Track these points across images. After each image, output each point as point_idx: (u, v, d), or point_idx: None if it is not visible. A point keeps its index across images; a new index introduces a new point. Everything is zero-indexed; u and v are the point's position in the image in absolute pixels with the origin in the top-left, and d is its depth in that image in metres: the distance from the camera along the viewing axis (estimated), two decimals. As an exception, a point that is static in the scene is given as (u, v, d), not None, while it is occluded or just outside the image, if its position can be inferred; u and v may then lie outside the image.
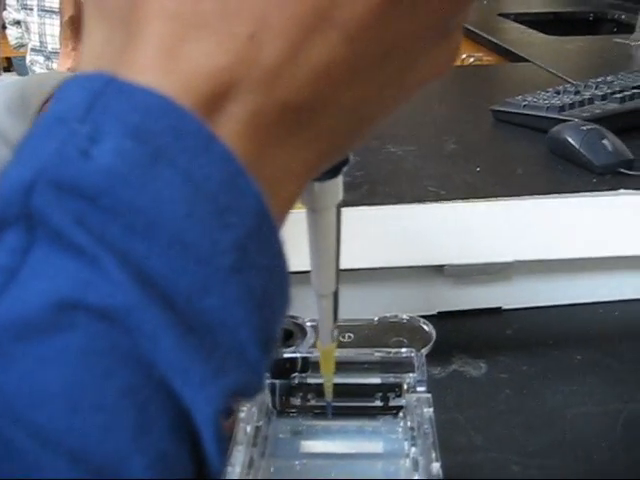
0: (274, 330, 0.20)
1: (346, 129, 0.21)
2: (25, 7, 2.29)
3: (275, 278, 0.19)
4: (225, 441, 0.18)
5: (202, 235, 0.17)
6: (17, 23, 2.37)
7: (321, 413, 0.40)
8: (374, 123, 0.23)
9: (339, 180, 0.26)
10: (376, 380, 0.41)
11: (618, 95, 1.01)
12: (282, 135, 0.19)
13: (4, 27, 2.37)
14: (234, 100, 0.18)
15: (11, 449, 0.15)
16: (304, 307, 0.48)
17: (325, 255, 0.29)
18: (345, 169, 0.26)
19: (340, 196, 0.27)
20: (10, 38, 2.44)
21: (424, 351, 0.42)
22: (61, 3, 2.01)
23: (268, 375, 0.41)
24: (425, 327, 0.47)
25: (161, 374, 0.16)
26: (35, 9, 2.25)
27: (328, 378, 0.38)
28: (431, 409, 0.38)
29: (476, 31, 1.91)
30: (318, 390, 0.41)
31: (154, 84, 0.18)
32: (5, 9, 2.28)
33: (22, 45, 2.44)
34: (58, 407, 0.15)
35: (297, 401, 0.41)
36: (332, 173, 0.25)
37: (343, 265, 0.53)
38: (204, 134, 0.17)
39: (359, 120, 0.22)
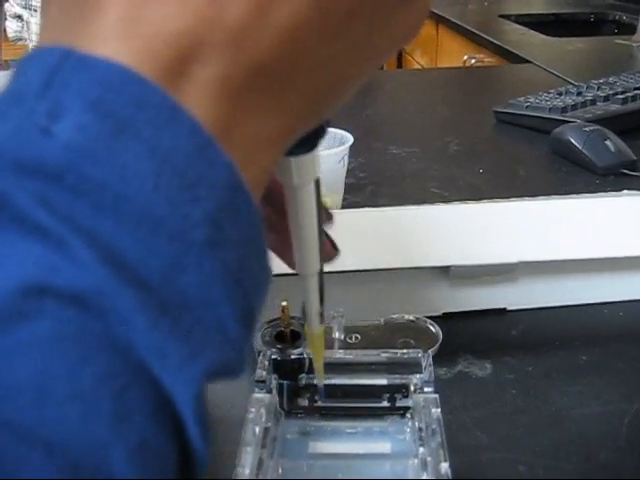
0: (255, 304, 0.19)
1: (319, 90, 0.21)
2: (29, 7, 2.29)
3: (253, 251, 0.19)
4: (207, 425, 0.17)
5: (171, 209, 0.16)
6: (18, 17, 2.37)
7: (329, 414, 0.41)
8: (348, 84, 0.22)
9: (316, 154, 0.25)
10: (383, 381, 0.41)
11: (620, 96, 1.01)
12: (253, 99, 0.19)
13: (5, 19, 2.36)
14: (199, 64, 0.17)
15: None
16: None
17: (306, 233, 0.28)
18: (321, 141, 0.25)
19: (318, 171, 0.26)
20: (9, 30, 2.42)
21: (431, 352, 0.42)
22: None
23: (275, 376, 0.41)
24: (432, 328, 0.47)
25: (139, 359, 0.16)
26: (39, 10, 2.25)
27: (318, 362, 0.37)
28: (439, 409, 0.38)
29: (477, 32, 1.92)
30: (325, 391, 0.41)
31: (115, 53, 0.17)
32: (7, 1, 2.28)
33: (20, 39, 2.42)
34: (28, 398, 0.14)
35: (305, 402, 0.41)
36: (308, 146, 0.24)
37: (348, 267, 0.53)
38: (168, 104, 0.17)
39: (332, 81, 0.21)
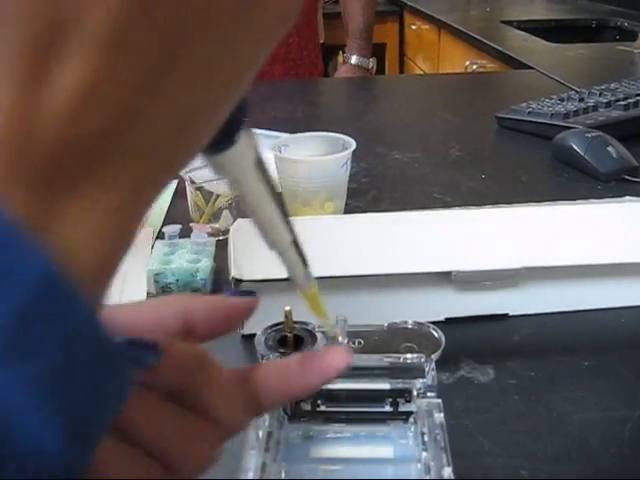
0: (92, 415, 0.17)
1: (161, 147, 0.18)
2: None
3: (80, 352, 0.16)
4: None
5: None
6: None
7: (332, 418, 0.41)
8: (202, 120, 0.20)
9: (243, 142, 0.24)
10: (386, 386, 0.41)
11: (622, 102, 1.01)
12: (60, 191, 0.16)
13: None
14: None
15: None
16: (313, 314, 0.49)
17: (265, 214, 0.27)
18: (241, 133, 0.23)
19: (254, 154, 0.25)
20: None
21: (434, 357, 0.43)
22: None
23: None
24: (434, 333, 0.47)
25: None
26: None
27: (324, 319, 0.36)
28: (442, 414, 0.38)
29: (479, 38, 1.92)
30: (328, 395, 0.41)
31: None
32: None
33: None
34: None
35: (307, 406, 0.41)
36: (227, 143, 0.23)
37: (350, 272, 0.53)
38: None
39: (185, 125, 0.19)
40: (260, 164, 0.25)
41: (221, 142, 0.23)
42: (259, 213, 0.27)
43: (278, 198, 0.27)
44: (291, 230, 0.28)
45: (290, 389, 0.29)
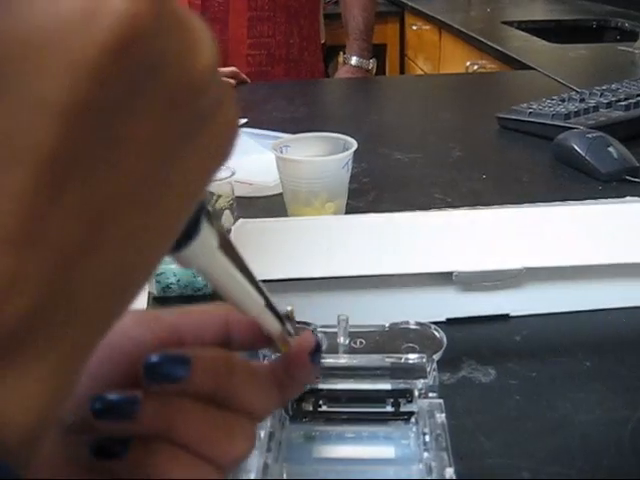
0: None
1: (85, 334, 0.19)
2: None
3: None
4: None
5: None
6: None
7: (333, 419, 0.41)
8: (138, 279, 0.20)
9: (205, 231, 0.24)
10: (387, 386, 0.41)
11: (623, 103, 1.01)
12: None
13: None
14: None
15: None
16: (315, 313, 0.49)
17: (237, 290, 0.27)
18: (200, 228, 0.23)
19: (217, 237, 0.25)
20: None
21: (435, 357, 0.43)
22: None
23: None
24: (436, 333, 0.47)
25: None
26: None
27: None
28: (443, 414, 0.38)
29: (480, 38, 1.92)
30: (330, 396, 0.41)
31: None
32: None
33: None
34: None
35: (309, 407, 0.41)
36: (187, 239, 0.23)
37: (352, 272, 0.53)
38: None
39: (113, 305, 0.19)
40: (225, 244, 0.25)
41: (182, 240, 0.22)
42: (230, 290, 0.27)
43: (246, 269, 0.27)
44: (263, 294, 0.29)
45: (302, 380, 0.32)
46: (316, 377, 0.35)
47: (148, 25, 0.16)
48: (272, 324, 0.30)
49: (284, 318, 0.31)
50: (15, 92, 0.15)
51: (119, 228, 0.18)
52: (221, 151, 0.21)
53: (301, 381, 0.32)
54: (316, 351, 0.31)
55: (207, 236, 0.24)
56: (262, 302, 0.29)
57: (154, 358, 0.27)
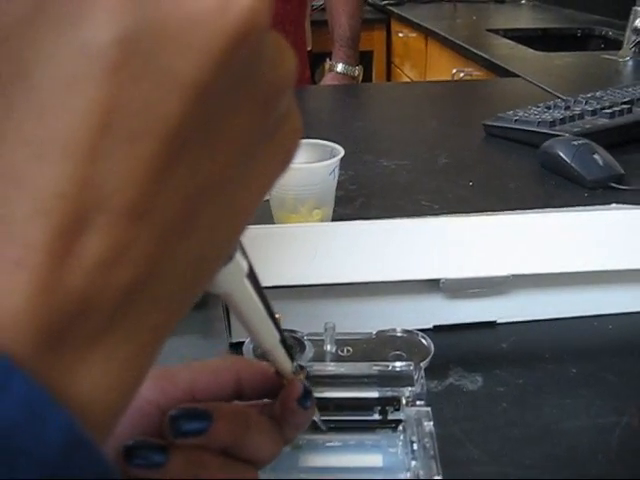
0: None
1: (173, 295, 0.19)
2: None
3: None
4: None
5: None
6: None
7: (320, 427, 0.41)
8: (214, 267, 0.21)
9: (237, 256, 0.25)
10: (375, 394, 0.41)
11: (608, 110, 1.02)
12: (82, 344, 0.17)
13: None
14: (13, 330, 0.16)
15: None
16: (302, 321, 0.49)
17: (257, 320, 0.28)
18: (236, 253, 0.25)
19: (245, 268, 0.26)
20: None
21: (422, 365, 0.42)
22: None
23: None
24: (423, 341, 0.47)
25: None
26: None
27: None
28: (431, 422, 0.38)
29: (465, 46, 1.93)
30: (317, 404, 0.41)
31: None
32: None
33: None
34: None
35: (296, 415, 0.41)
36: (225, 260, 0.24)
37: (339, 280, 0.53)
38: (3, 366, 0.15)
39: (191, 278, 0.19)
40: (251, 274, 0.26)
41: None
42: (251, 320, 0.28)
43: (266, 301, 0.28)
44: (279, 329, 0.30)
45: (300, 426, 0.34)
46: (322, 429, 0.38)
47: (263, 22, 0.17)
48: (283, 360, 0.32)
49: (295, 357, 0.32)
50: (155, 68, 0.16)
51: (211, 211, 0.19)
52: (289, 155, 0.22)
53: (297, 425, 0.33)
54: (304, 397, 0.32)
55: (238, 263, 0.25)
56: (278, 337, 0.30)
57: (179, 412, 0.29)
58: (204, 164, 0.18)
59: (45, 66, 0.16)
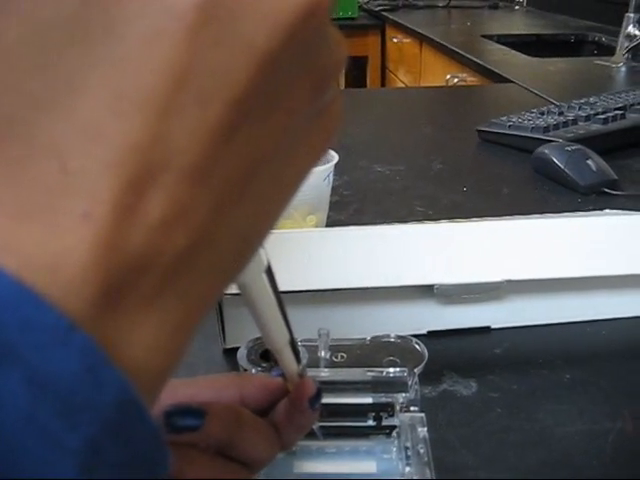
0: None
1: (217, 270, 0.19)
2: None
3: (141, 468, 0.17)
4: None
5: (43, 440, 0.15)
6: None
7: (314, 433, 0.40)
8: (258, 242, 0.21)
9: (258, 252, 0.25)
10: (369, 400, 0.41)
11: (601, 116, 1.03)
12: (137, 305, 0.17)
13: None
14: (71, 284, 0.16)
15: None
16: (296, 327, 0.49)
17: (270, 316, 0.28)
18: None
19: (265, 262, 0.26)
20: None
21: (416, 370, 0.42)
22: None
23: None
24: (417, 347, 0.47)
25: None
26: None
27: None
28: (425, 428, 0.38)
29: (460, 52, 1.94)
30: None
31: (6, 264, 0.15)
32: None
33: None
34: None
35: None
36: None
37: (334, 285, 0.53)
38: (62, 325, 0.15)
39: (239, 248, 0.20)
40: (269, 271, 0.27)
41: None
42: (264, 315, 0.28)
43: (281, 301, 0.28)
44: (290, 330, 0.30)
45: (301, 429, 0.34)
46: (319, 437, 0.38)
47: (329, 4, 0.18)
48: (290, 361, 0.31)
49: (301, 359, 0.32)
50: (231, 33, 0.17)
51: (260, 182, 0.19)
52: (330, 137, 0.22)
53: (300, 427, 0.33)
54: (316, 397, 0.32)
55: (259, 257, 0.26)
56: (288, 337, 0.30)
57: (174, 408, 0.29)
58: (261, 134, 0.18)
59: (130, 22, 0.16)
